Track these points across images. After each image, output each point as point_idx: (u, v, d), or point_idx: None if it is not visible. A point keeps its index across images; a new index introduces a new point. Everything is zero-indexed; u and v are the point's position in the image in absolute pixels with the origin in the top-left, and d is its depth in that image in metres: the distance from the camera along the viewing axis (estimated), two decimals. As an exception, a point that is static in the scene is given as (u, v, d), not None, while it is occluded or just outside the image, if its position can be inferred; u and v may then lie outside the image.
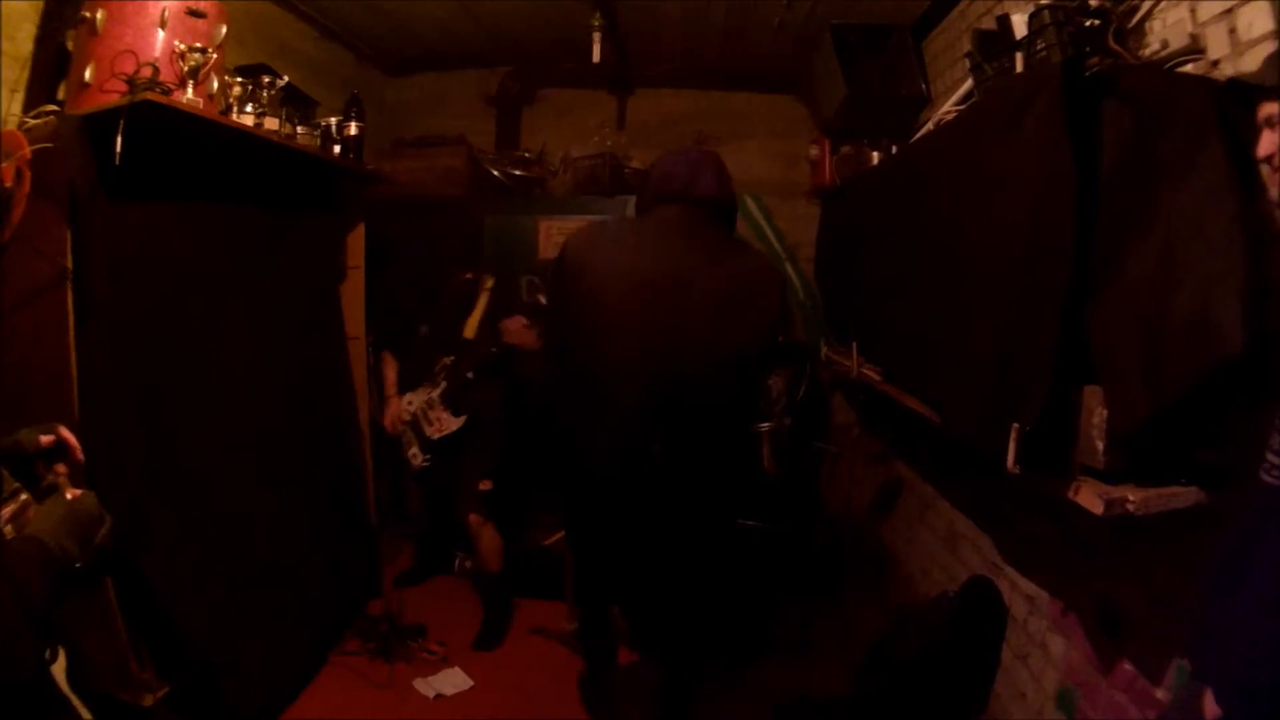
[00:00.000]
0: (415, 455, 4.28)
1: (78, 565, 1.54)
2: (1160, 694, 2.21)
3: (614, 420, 2.73)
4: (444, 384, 4.20)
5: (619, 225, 2.99)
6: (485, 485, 4.14)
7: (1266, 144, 1.64)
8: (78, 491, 1.72)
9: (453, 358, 4.21)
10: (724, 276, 2.73)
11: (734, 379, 2.79)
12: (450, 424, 4.18)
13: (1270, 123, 1.63)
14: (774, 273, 2.94)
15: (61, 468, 1.80)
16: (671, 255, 2.72)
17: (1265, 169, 1.67)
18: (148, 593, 2.73)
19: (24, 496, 1.63)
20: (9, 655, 1.38)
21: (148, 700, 2.71)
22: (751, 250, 2.98)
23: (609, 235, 2.93)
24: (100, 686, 2.63)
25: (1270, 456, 1.60)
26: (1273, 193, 1.65)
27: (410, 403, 4.28)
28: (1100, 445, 2.02)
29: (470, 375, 4.14)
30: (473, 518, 4.10)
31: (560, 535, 4.30)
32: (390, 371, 4.40)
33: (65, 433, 1.80)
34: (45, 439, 1.76)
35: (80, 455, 1.86)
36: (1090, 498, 2.04)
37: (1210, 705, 1.59)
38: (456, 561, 4.72)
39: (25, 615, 1.39)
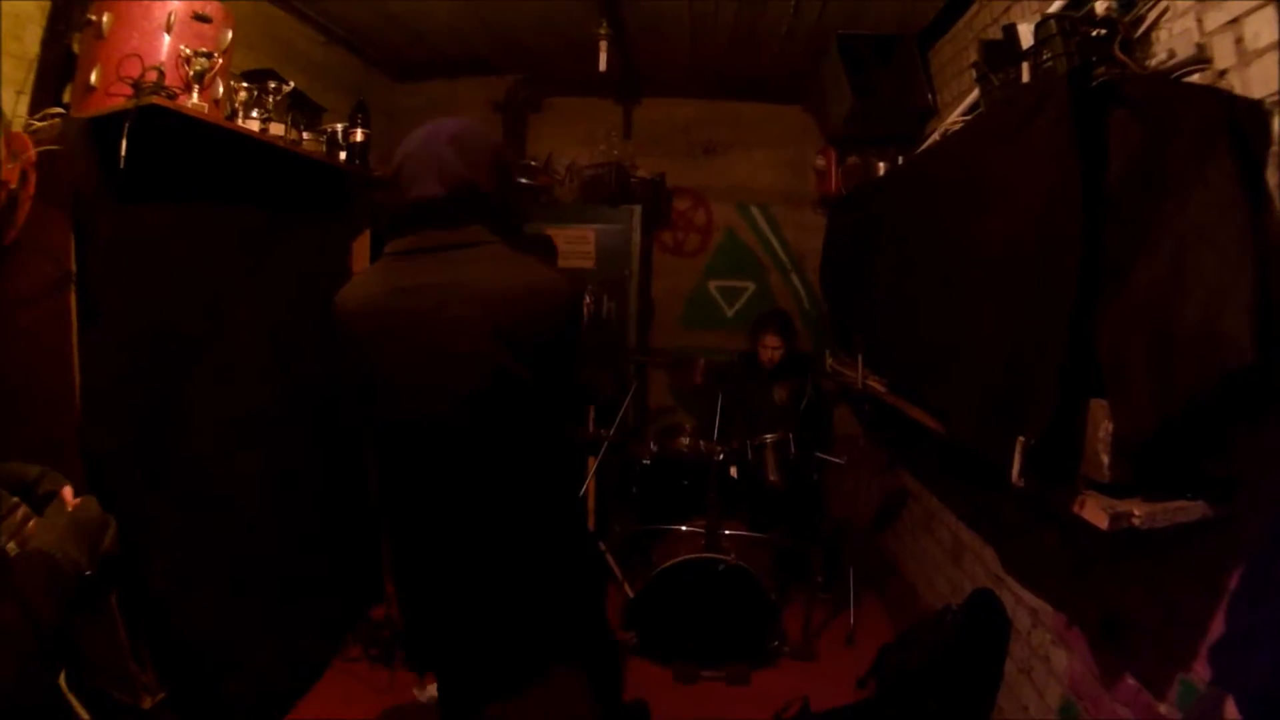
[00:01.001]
0: None
1: (87, 574, 1.51)
2: (1164, 709, 2.19)
3: (420, 487, 2.16)
4: None
5: (375, 265, 2.23)
6: None
7: None
8: (77, 500, 1.69)
9: None
10: (495, 291, 2.00)
11: (499, 423, 2.05)
12: None
13: None
14: (557, 272, 2.24)
15: (68, 491, 1.76)
16: (399, 293, 2.06)
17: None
18: (149, 595, 2.72)
19: (22, 510, 1.59)
20: (22, 679, 1.34)
21: (147, 702, 2.70)
22: (530, 257, 2.11)
23: (361, 278, 2.25)
24: (100, 687, 2.63)
25: None
26: None
27: None
28: (1106, 459, 2.01)
29: None
30: None
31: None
32: None
33: (68, 494, 1.74)
34: (47, 487, 1.70)
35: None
36: (1095, 512, 2.03)
37: (1231, 712, 1.58)
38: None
39: (37, 637, 1.35)
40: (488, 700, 2.32)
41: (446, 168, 2.04)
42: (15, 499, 1.58)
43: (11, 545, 1.50)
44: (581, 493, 2.61)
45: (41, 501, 1.64)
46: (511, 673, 2.25)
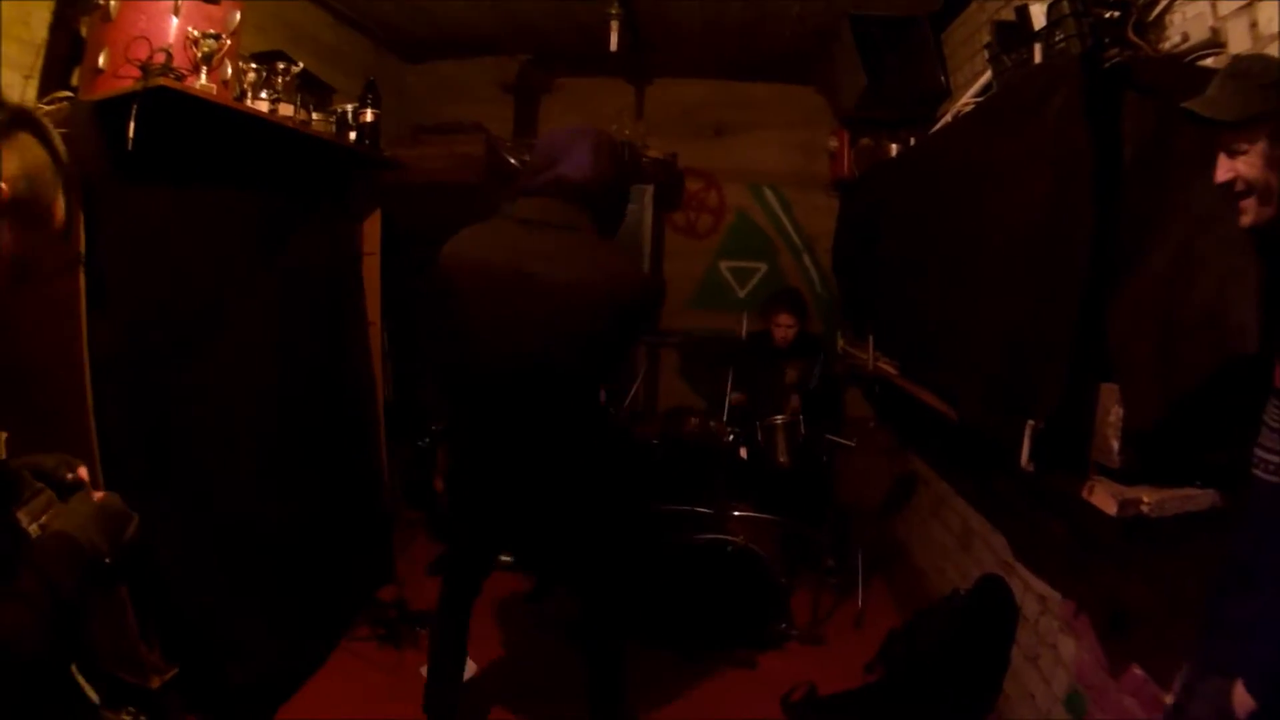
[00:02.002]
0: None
1: (107, 561, 1.53)
2: (1170, 699, 2.19)
3: (478, 425, 2.69)
4: None
5: (488, 224, 2.64)
6: None
7: (1224, 170, 1.60)
8: (102, 494, 1.73)
9: None
10: (563, 279, 2.42)
11: (562, 395, 2.57)
12: None
13: (1231, 151, 1.59)
14: (637, 284, 2.54)
15: (84, 471, 1.80)
16: (516, 252, 2.46)
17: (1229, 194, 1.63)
18: (156, 576, 2.74)
19: (46, 495, 1.62)
20: (42, 641, 1.38)
21: (155, 682, 2.72)
22: (615, 252, 2.57)
23: (476, 235, 2.60)
24: (107, 668, 2.65)
25: (1261, 453, 1.59)
26: (1244, 219, 1.61)
27: None
28: (1115, 444, 2.00)
29: None
30: None
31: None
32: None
33: (85, 474, 1.79)
34: (70, 475, 1.75)
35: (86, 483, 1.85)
36: (1104, 498, 2.02)
37: (1242, 697, 1.57)
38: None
39: (57, 610, 1.39)
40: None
41: (598, 159, 2.50)
42: (40, 484, 1.62)
43: (34, 528, 1.52)
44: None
45: (67, 490, 1.67)
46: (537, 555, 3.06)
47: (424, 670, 3.59)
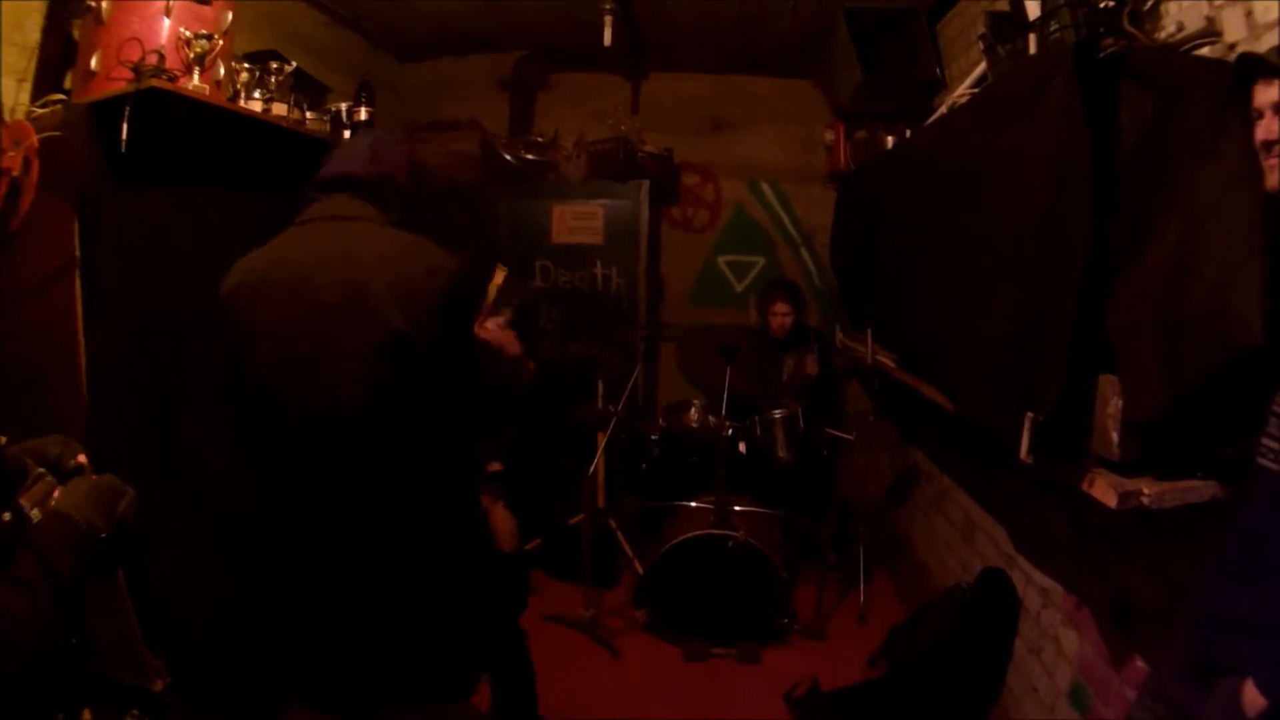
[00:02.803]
0: None
1: (103, 536, 1.57)
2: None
3: (300, 484, 2.10)
4: None
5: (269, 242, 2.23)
6: (494, 466, 4.12)
7: (1267, 130, 1.61)
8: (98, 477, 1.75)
9: None
10: (340, 273, 1.99)
11: (380, 408, 1.98)
12: None
13: (1278, 109, 1.59)
14: (441, 248, 2.12)
15: (83, 457, 1.83)
16: (291, 256, 2.10)
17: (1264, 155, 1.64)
18: (157, 578, 2.73)
19: (47, 480, 1.65)
20: (39, 627, 1.42)
21: (158, 685, 2.71)
22: (400, 236, 2.12)
23: (253, 255, 2.22)
24: (108, 670, 2.64)
25: (1268, 442, 1.59)
26: (1271, 179, 1.62)
27: None
28: (1115, 436, 1.99)
29: None
30: (483, 498, 4.10)
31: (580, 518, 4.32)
32: None
33: (82, 460, 1.82)
34: (73, 460, 1.77)
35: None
36: (1105, 490, 2.01)
37: (1252, 696, 1.56)
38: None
39: (55, 592, 1.44)
40: None
41: (359, 157, 2.19)
42: (41, 470, 1.66)
43: (35, 512, 1.56)
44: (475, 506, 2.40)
45: (68, 476, 1.70)
46: (404, 697, 2.18)
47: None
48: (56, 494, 1.64)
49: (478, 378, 2.22)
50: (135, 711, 2.62)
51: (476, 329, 2.61)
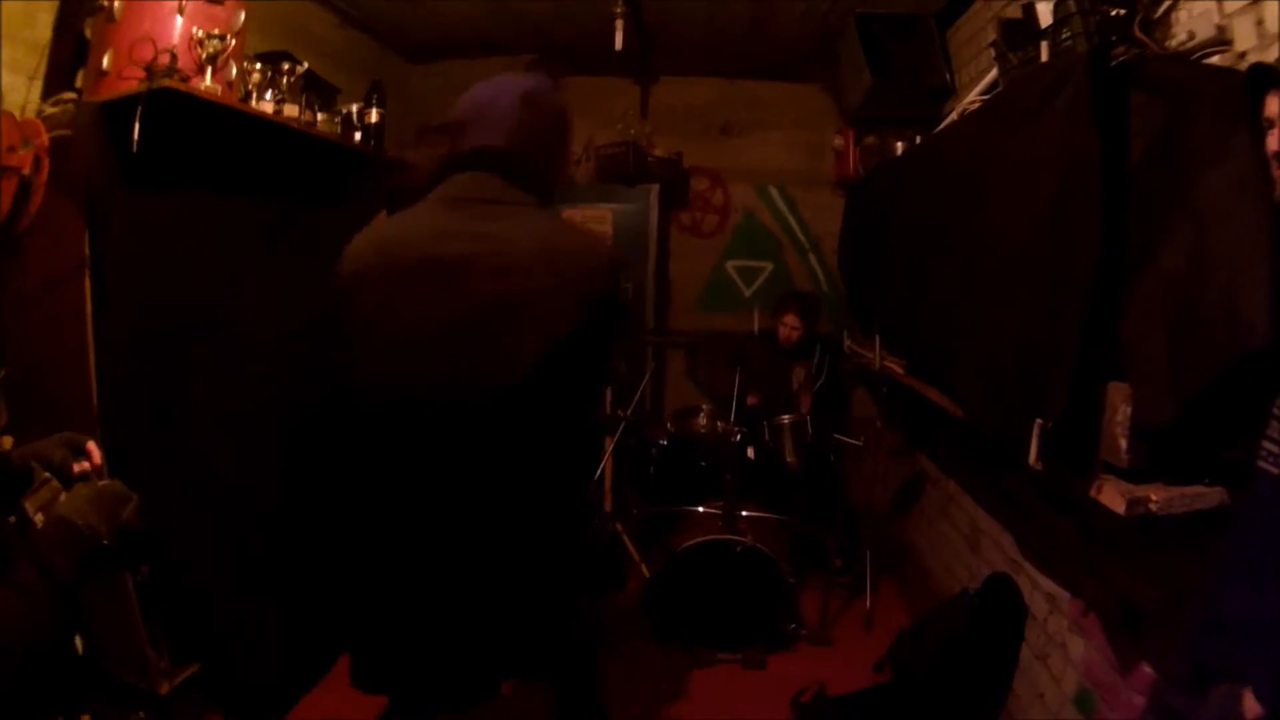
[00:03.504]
0: None
1: (105, 543, 1.57)
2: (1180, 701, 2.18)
3: (395, 471, 1.94)
4: None
5: (399, 213, 2.06)
6: None
7: (1276, 139, 1.61)
8: (105, 481, 1.76)
9: None
10: (496, 264, 1.82)
11: (529, 414, 1.84)
12: None
13: None
14: (591, 260, 1.90)
15: (95, 456, 1.84)
16: (432, 236, 1.90)
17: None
18: (166, 577, 2.74)
19: (52, 484, 1.66)
20: (39, 632, 1.43)
21: (164, 687, 2.72)
22: (561, 224, 2.01)
23: (374, 230, 2.09)
24: (114, 671, 2.65)
25: (1269, 445, 1.58)
26: None
27: None
28: (1124, 442, 1.99)
29: None
30: None
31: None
32: None
33: (92, 448, 1.82)
34: (78, 466, 1.78)
35: (100, 465, 1.87)
36: (1113, 496, 2.01)
37: (1250, 704, 1.56)
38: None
39: (55, 596, 1.45)
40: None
41: (508, 122, 1.96)
42: (47, 475, 1.67)
43: (39, 516, 1.58)
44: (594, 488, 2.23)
45: (73, 480, 1.71)
46: (477, 687, 2.04)
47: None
48: (61, 499, 1.64)
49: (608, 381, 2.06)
50: (141, 714, 2.63)
51: None
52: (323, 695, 3.46)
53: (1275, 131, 1.62)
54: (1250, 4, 1.98)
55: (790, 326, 5.07)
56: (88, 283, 2.51)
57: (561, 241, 1.90)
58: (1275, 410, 1.59)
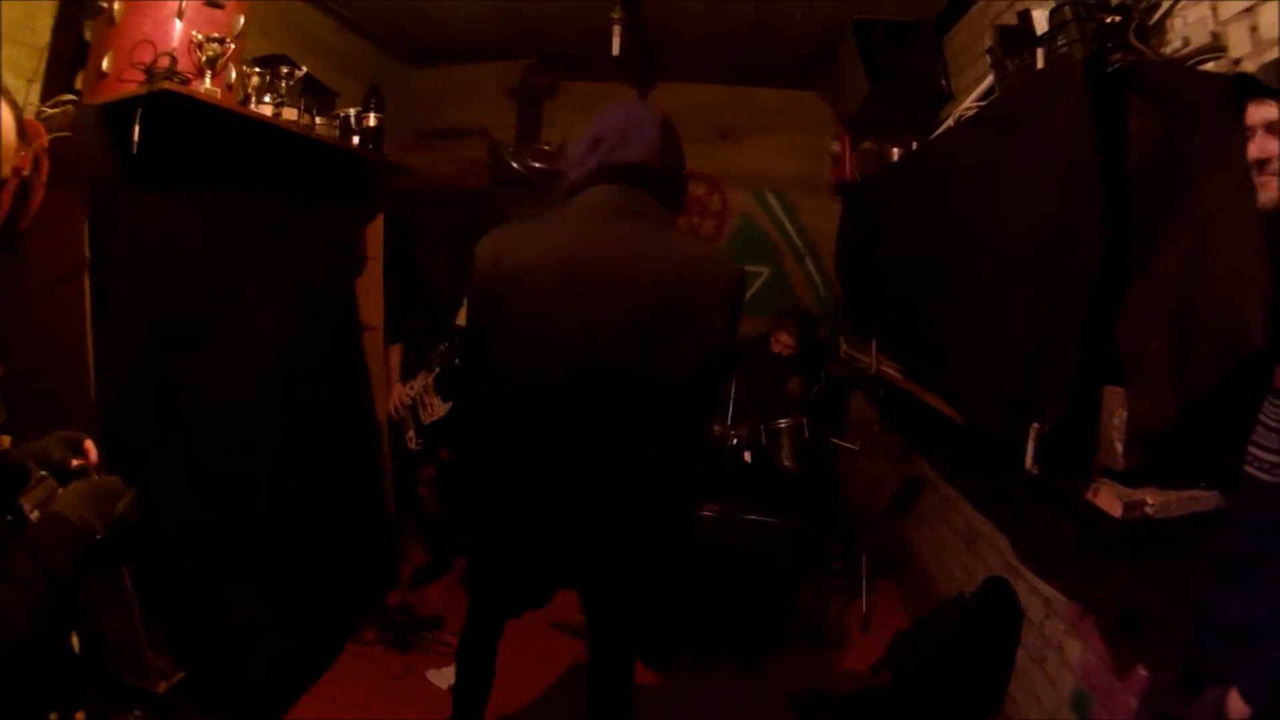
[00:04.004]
0: (411, 439, 4.34)
1: (99, 537, 1.58)
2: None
3: (533, 444, 2.27)
4: (436, 370, 4.21)
5: (541, 219, 2.38)
6: None
7: (1260, 148, 1.62)
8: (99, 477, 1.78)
9: (446, 344, 4.21)
10: (658, 275, 2.15)
11: (668, 407, 2.23)
12: (439, 409, 4.21)
13: (1270, 127, 1.61)
14: (728, 269, 2.26)
15: (91, 454, 1.84)
16: (591, 245, 2.19)
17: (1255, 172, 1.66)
18: (167, 577, 2.75)
19: (48, 482, 1.67)
20: (37, 627, 1.43)
21: (162, 686, 2.73)
22: (698, 240, 2.37)
23: (525, 231, 2.35)
24: (115, 671, 2.66)
25: (1256, 451, 1.60)
26: (1263, 196, 1.63)
27: (412, 388, 4.31)
28: (1120, 446, 2.00)
29: (456, 361, 4.13)
30: None
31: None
32: (394, 356, 4.38)
33: (90, 447, 1.84)
34: (75, 461, 1.79)
35: (97, 463, 1.88)
36: (1109, 499, 2.02)
37: (1236, 704, 1.57)
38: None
39: (52, 590, 1.46)
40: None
41: (668, 141, 2.26)
42: (44, 473, 1.67)
43: (35, 514, 1.58)
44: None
45: (70, 477, 1.72)
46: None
47: (431, 675, 3.60)
48: (57, 495, 1.64)
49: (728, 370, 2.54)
50: (138, 712, 2.64)
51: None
52: (321, 692, 3.46)
53: (1255, 140, 1.64)
54: (1245, 11, 2.00)
55: (783, 344, 5.07)
56: (87, 283, 2.52)
57: (701, 252, 2.34)
58: (1264, 418, 1.61)
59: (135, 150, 2.47)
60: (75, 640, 1.83)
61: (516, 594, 2.64)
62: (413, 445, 4.32)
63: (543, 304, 2.17)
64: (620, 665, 2.75)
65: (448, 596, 4.38)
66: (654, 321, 2.13)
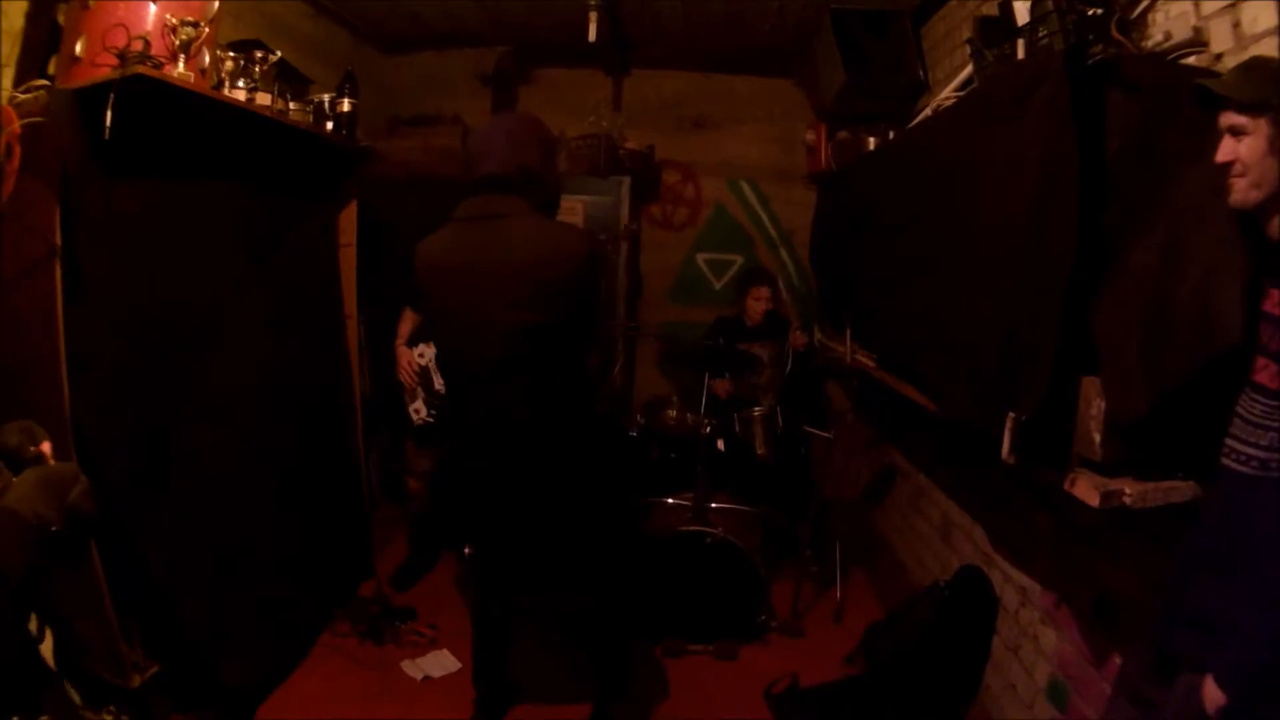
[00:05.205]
0: (419, 410, 4.18)
1: (54, 529, 1.55)
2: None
3: (475, 400, 2.80)
4: None
5: (445, 228, 2.84)
6: None
7: (1226, 151, 1.64)
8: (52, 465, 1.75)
9: None
10: (526, 259, 2.65)
11: (558, 345, 2.75)
12: None
13: (1234, 131, 1.62)
14: (578, 241, 2.79)
15: (46, 446, 1.81)
16: (473, 247, 2.70)
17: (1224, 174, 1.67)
18: (139, 572, 2.72)
19: (4, 473, 1.64)
20: None
21: (135, 681, 2.70)
22: (549, 223, 2.83)
23: (438, 238, 2.82)
24: (90, 668, 2.62)
25: (1232, 443, 1.62)
26: (1233, 197, 1.65)
27: (422, 354, 4.16)
28: (1098, 437, 2.02)
29: None
30: None
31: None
32: (405, 326, 4.24)
33: (46, 449, 1.80)
34: (33, 449, 1.76)
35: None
36: (1087, 490, 2.04)
37: (1212, 692, 1.59)
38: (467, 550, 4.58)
39: (5, 590, 1.42)
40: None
41: (502, 152, 2.71)
42: None
43: None
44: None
45: (27, 464, 1.69)
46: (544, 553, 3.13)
47: (406, 666, 3.59)
48: (9, 486, 1.61)
49: (596, 316, 2.98)
50: (112, 708, 2.61)
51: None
52: (297, 686, 3.44)
53: (1222, 144, 1.65)
54: (1227, 6, 2.01)
55: (764, 299, 5.09)
56: (58, 270, 2.48)
57: (559, 231, 2.80)
58: (1238, 408, 1.63)
59: (108, 135, 2.43)
60: (50, 639, 1.80)
61: (502, 553, 3.16)
62: (419, 418, 4.20)
63: (449, 296, 2.75)
64: (611, 634, 3.26)
65: (422, 586, 4.37)
66: (528, 291, 2.63)
